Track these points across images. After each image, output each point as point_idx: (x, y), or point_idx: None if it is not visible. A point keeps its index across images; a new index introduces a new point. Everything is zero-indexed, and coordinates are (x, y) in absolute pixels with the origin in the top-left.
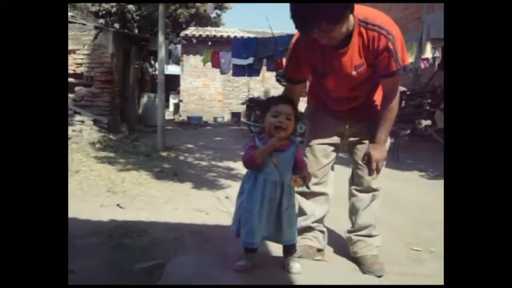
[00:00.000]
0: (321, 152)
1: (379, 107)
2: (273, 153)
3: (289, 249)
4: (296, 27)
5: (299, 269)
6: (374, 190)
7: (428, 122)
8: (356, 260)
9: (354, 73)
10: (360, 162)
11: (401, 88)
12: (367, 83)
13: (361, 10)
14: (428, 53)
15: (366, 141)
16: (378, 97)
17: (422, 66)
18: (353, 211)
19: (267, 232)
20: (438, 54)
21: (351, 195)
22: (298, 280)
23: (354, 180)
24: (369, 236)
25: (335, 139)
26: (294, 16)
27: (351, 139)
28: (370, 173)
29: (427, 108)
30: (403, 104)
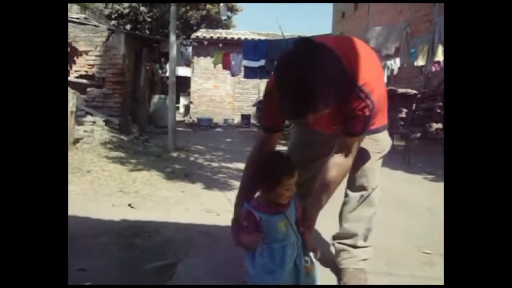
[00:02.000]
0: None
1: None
2: (278, 216)
3: None
4: (289, 115)
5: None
6: (363, 189)
7: (439, 125)
8: (339, 273)
9: (333, 128)
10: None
11: (412, 91)
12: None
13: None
14: (439, 56)
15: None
16: None
17: (433, 69)
18: (341, 213)
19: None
20: None
21: (344, 196)
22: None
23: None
24: (354, 246)
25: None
26: (283, 101)
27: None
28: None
29: (438, 111)
30: (413, 107)
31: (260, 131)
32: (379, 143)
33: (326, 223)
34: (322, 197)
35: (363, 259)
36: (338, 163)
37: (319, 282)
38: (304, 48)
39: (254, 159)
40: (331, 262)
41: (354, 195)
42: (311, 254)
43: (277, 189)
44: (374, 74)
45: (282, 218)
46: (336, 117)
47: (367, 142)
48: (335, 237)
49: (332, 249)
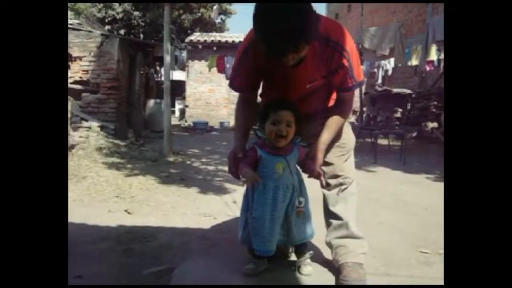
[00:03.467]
0: None
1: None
2: (278, 158)
3: (300, 249)
4: (271, 48)
5: (310, 272)
6: (340, 184)
7: (435, 124)
8: (338, 269)
9: (307, 86)
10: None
11: (407, 91)
12: (320, 90)
13: (322, 23)
14: (433, 55)
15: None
16: (330, 102)
17: (427, 68)
18: (325, 212)
19: (280, 235)
20: (443, 56)
21: (323, 194)
22: (306, 283)
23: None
24: (350, 236)
25: None
26: (272, 36)
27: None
28: (313, 175)
29: (433, 110)
30: (408, 107)
31: (239, 95)
32: (345, 146)
33: (318, 228)
34: (341, 123)
35: (361, 253)
36: (339, 114)
37: (310, 225)
38: None
39: (241, 106)
40: (328, 262)
41: (332, 192)
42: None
43: (266, 122)
44: (345, 34)
45: (281, 160)
46: (313, 72)
47: (334, 149)
48: (328, 236)
49: (328, 253)
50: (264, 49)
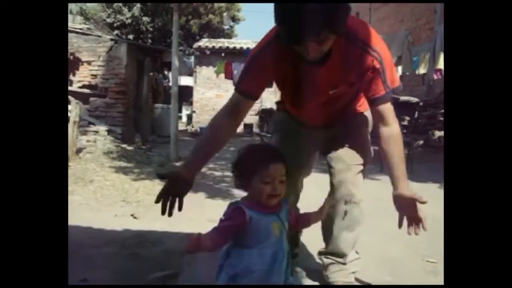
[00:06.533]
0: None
1: (358, 108)
2: (272, 217)
3: None
4: (289, 32)
5: None
6: (346, 203)
7: (442, 133)
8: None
9: (330, 92)
10: (333, 164)
11: (414, 99)
12: (343, 99)
13: (350, 23)
14: (441, 64)
15: (342, 141)
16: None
17: (435, 77)
18: (326, 232)
19: None
20: None
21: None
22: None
23: (331, 188)
24: (344, 263)
25: (311, 157)
26: (292, 17)
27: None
28: (413, 231)
29: (441, 119)
30: (416, 115)
31: (234, 94)
32: (364, 158)
33: (311, 234)
34: (402, 165)
35: (352, 272)
36: (389, 135)
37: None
38: None
39: (219, 121)
40: (319, 274)
41: (338, 211)
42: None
43: (253, 177)
44: (376, 37)
45: (275, 219)
46: (338, 75)
47: (354, 154)
48: (322, 253)
49: (319, 261)
50: (282, 47)
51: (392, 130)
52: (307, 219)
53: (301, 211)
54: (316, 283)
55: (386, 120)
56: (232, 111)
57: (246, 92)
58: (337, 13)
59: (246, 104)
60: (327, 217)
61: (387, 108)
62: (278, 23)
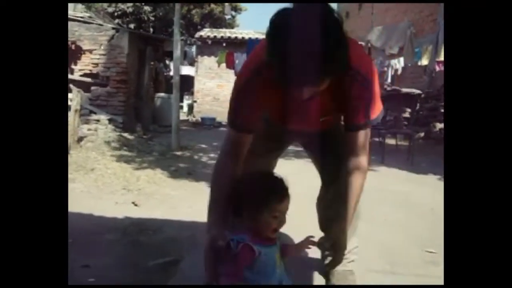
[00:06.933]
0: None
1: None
2: (274, 248)
3: None
4: (284, 77)
5: None
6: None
7: (443, 125)
8: (326, 276)
9: (321, 119)
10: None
11: (416, 91)
12: (335, 119)
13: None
14: (443, 55)
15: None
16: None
17: (437, 68)
18: (325, 220)
19: None
20: None
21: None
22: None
23: (322, 178)
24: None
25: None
26: (289, 62)
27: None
28: (334, 265)
29: (442, 111)
30: (417, 107)
31: (231, 133)
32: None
33: (308, 225)
34: (352, 210)
35: (351, 261)
36: (355, 166)
37: None
38: (308, 9)
39: (226, 170)
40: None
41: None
42: None
43: (262, 211)
44: (366, 59)
45: (276, 250)
46: (328, 103)
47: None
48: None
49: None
50: (272, 75)
51: (359, 163)
52: (289, 251)
53: (305, 199)
54: (314, 275)
55: (356, 150)
56: (235, 154)
57: (243, 125)
58: (338, 56)
59: (246, 140)
60: (325, 208)
61: (362, 137)
62: (271, 58)
